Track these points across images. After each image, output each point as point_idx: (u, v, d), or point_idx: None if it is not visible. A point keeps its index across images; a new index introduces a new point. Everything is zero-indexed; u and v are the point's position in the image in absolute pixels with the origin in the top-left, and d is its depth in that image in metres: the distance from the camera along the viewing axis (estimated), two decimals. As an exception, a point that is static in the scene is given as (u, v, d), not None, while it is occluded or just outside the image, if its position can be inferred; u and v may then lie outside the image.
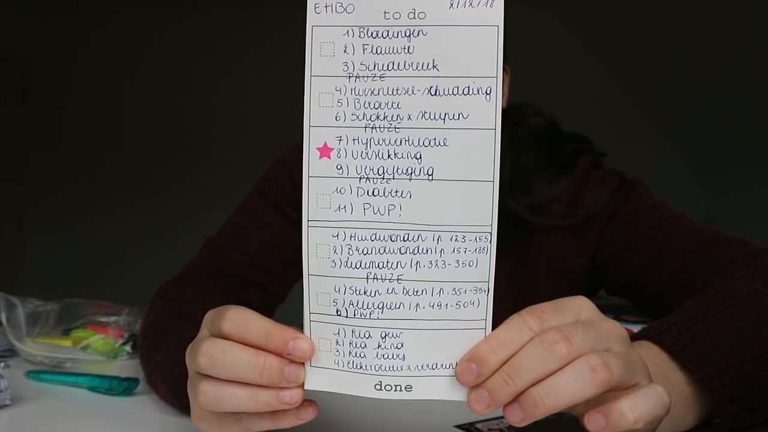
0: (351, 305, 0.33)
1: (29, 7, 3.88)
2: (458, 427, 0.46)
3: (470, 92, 0.31)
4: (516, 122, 0.75)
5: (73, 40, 4.04)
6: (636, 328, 0.64)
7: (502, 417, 0.47)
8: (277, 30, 3.90)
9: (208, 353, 0.35)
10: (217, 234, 0.77)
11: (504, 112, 0.76)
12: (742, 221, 2.29)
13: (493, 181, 0.32)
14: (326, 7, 0.31)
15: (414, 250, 0.32)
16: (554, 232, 0.73)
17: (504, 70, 0.74)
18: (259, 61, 3.88)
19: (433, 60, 0.31)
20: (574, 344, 0.32)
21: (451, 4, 0.31)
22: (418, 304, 0.33)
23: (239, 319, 0.34)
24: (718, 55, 2.89)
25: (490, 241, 0.32)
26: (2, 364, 0.68)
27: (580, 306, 0.35)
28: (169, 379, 0.50)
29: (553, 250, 0.74)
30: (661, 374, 0.42)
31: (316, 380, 0.34)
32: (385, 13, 0.31)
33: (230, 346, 0.34)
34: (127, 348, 0.76)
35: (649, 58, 3.31)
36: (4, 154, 3.90)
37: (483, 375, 0.32)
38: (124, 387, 0.57)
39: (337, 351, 0.33)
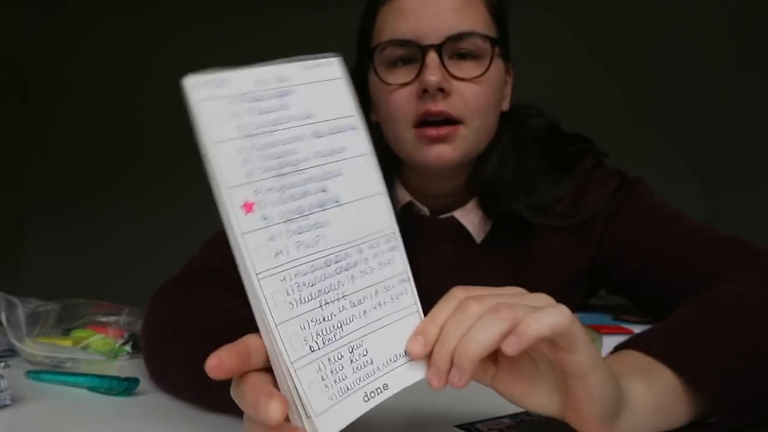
0: (318, 335, 0.35)
1: (29, 7, 3.88)
2: (458, 426, 0.46)
3: (342, 129, 0.38)
4: (518, 125, 0.75)
5: (73, 40, 4.04)
6: (636, 328, 0.64)
7: (502, 417, 0.47)
8: (276, 30, 3.90)
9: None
10: (216, 234, 0.77)
11: (506, 114, 0.77)
12: (742, 221, 2.29)
13: (383, 192, 0.39)
14: (204, 84, 0.34)
15: (346, 266, 0.37)
16: (556, 232, 0.73)
17: (507, 72, 0.75)
18: (260, 61, 3.88)
19: (307, 111, 0.37)
20: (483, 302, 0.36)
21: (306, 68, 0.37)
22: (364, 310, 0.37)
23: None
24: (718, 55, 2.90)
25: (397, 239, 0.39)
26: (2, 364, 0.68)
27: (532, 295, 0.39)
28: (190, 375, 0.50)
29: (555, 251, 0.74)
30: (644, 369, 0.42)
31: (327, 425, 0.34)
32: (255, 81, 0.36)
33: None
34: (127, 348, 0.76)
35: (650, 57, 3.32)
36: (4, 154, 3.90)
37: (429, 343, 0.37)
38: (124, 387, 0.57)
39: (326, 386, 0.35)
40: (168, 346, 0.56)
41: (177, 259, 0.85)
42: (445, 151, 0.67)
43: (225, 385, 0.37)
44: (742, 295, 0.52)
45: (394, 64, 0.68)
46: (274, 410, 0.32)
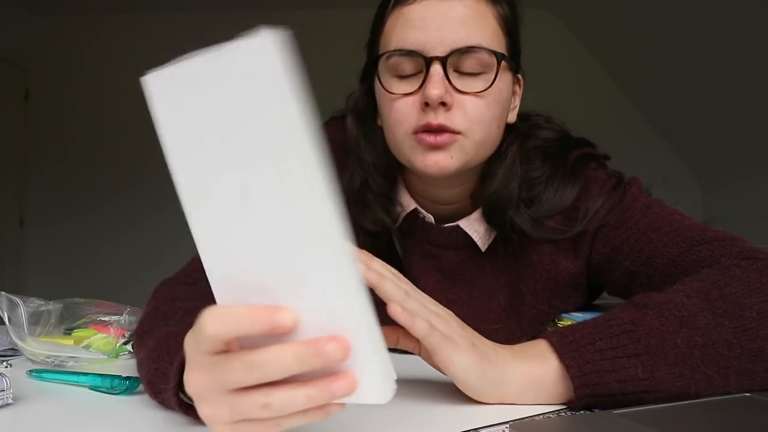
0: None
1: (29, 7, 3.88)
2: None
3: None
4: (526, 135, 0.75)
5: (75, 42, 4.04)
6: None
7: (506, 422, 0.47)
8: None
9: None
10: None
11: (513, 126, 0.75)
12: (740, 219, 2.29)
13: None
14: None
15: None
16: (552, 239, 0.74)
17: (516, 83, 0.73)
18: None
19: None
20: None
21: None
22: None
23: None
24: (718, 54, 2.90)
25: None
26: (4, 363, 0.68)
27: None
28: (146, 376, 0.51)
29: (551, 254, 0.74)
30: (536, 356, 0.52)
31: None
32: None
33: None
34: (129, 347, 0.76)
35: (650, 57, 3.32)
36: (6, 154, 3.90)
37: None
38: (126, 386, 0.57)
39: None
40: (139, 348, 0.57)
41: (179, 258, 0.85)
42: (443, 159, 0.66)
43: (174, 388, 0.44)
44: (665, 303, 0.54)
45: (398, 72, 0.67)
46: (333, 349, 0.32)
